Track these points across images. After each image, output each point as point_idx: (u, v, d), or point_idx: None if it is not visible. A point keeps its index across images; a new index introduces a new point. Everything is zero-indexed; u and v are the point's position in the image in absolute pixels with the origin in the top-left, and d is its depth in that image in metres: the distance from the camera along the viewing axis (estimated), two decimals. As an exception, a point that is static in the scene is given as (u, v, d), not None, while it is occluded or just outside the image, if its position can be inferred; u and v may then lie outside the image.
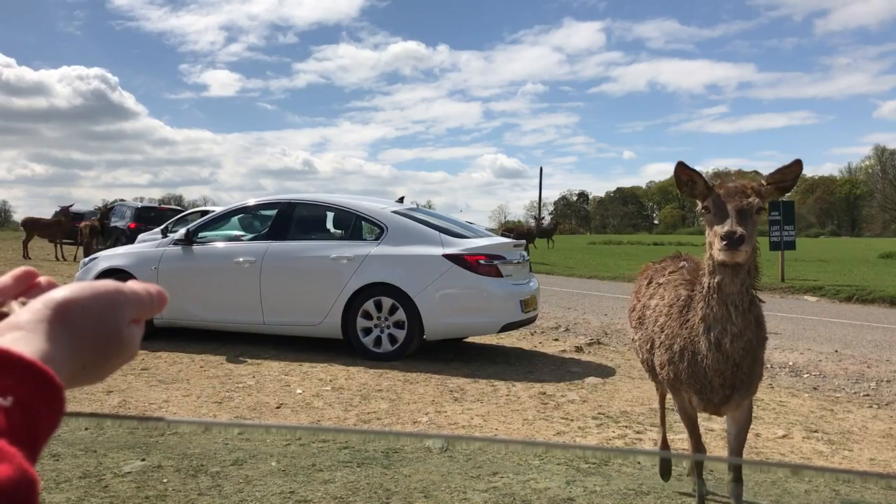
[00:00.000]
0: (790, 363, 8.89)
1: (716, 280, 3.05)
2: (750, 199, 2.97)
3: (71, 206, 26.05)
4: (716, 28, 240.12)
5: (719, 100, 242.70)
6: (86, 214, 27.33)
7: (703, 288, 3.15)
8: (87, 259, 10.66)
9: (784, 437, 5.70)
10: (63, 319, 0.60)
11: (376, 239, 8.77)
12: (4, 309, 0.68)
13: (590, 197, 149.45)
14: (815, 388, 7.64)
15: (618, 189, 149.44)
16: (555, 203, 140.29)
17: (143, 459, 4.47)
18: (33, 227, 24.89)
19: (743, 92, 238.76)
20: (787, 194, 3.31)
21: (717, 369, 3.13)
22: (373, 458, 4.63)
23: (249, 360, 8.15)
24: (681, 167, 3.21)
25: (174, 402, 6.39)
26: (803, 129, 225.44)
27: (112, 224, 23.96)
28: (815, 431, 5.88)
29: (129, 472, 4.28)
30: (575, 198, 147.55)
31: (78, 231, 23.84)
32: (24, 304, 0.67)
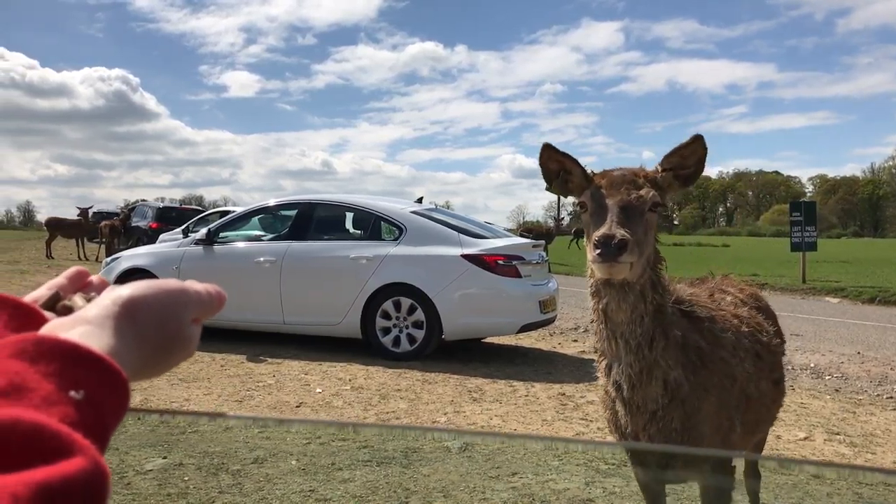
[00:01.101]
0: (812, 365, 8.82)
1: (601, 305, 2.39)
2: (641, 193, 2.36)
3: (90, 207, 26.34)
4: (735, 27, 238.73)
5: (739, 100, 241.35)
6: (119, 213, 27.59)
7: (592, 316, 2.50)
8: (109, 259, 10.78)
9: (805, 439, 5.66)
10: (130, 316, 0.61)
11: (395, 239, 8.79)
12: (68, 302, 0.70)
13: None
14: (836, 391, 7.57)
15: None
16: (573, 204, 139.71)
17: (165, 457, 4.51)
18: (57, 227, 25.22)
19: (763, 92, 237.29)
20: (692, 185, 2.64)
21: (633, 422, 2.46)
22: (392, 458, 4.64)
23: (269, 360, 8.20)
24: (547, 152, 2.58)
25: (195, 400, 6.45)
26: (824, 129, 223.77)
27: (133, 224, 24.16)
28: (837, 434, 5.84)
29: (150, 470, 4.32)
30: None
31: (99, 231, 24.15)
32: (88, 299, 0.69)
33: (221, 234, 9.73)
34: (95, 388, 0.52)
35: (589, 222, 2.40)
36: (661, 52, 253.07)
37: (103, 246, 24.07)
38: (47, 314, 0.67)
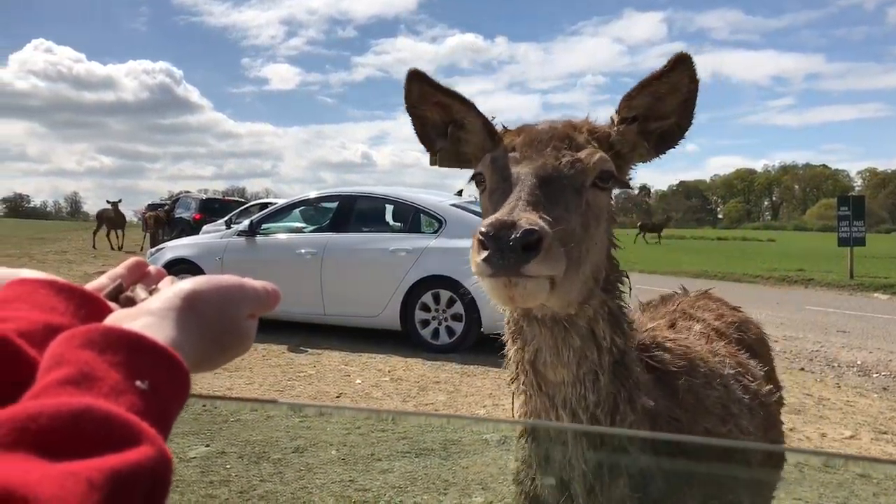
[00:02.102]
0: (858, 362, 8.63)
1: (527, 354, 1.65)
2: (579, 156, 1.59)
3: (119, 201, 27.37)
4: (782, 18, 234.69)
5: (785, 91, 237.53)
6: (165, 205, 28.24)
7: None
8: (154, 249, 10.98)
9: (851, 437, 5.55)
10: (191, 308, 0.64)
11: (435, 232, 8.81)
12: (130, 294, 0.74)
13: (651, 191, 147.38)
14: (884, 389, 7.40)
15: (681, 183, 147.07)
16: (615, 197, 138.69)
17: (208, 445, 4.59)
18: (106, 219, 26.12)
19: (810, 83, 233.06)
20: (680, 142, 1.81)
21: None
22: (430, 449, 4.66)
23: (310, 350, 8.29)
24: (418, 86, 1.80)
25: (237, 389, 6.54)
26: (875, 121, 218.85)
27: (177, 215, 24.53)
28: (885, 433, 5.71)
29: (193, 458, 4.40)
30: (636, 191, 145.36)
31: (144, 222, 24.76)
32: (150, 290, 0.73)
33: (263, 226, 9.85)
34: (159, 379, 0.54)
35: (487, 207, 1.63)
36: (704, 42, 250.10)
37: (148, 236, 24.57)
38: (111, 304, 0.71)
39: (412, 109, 1.88)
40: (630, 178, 1.87)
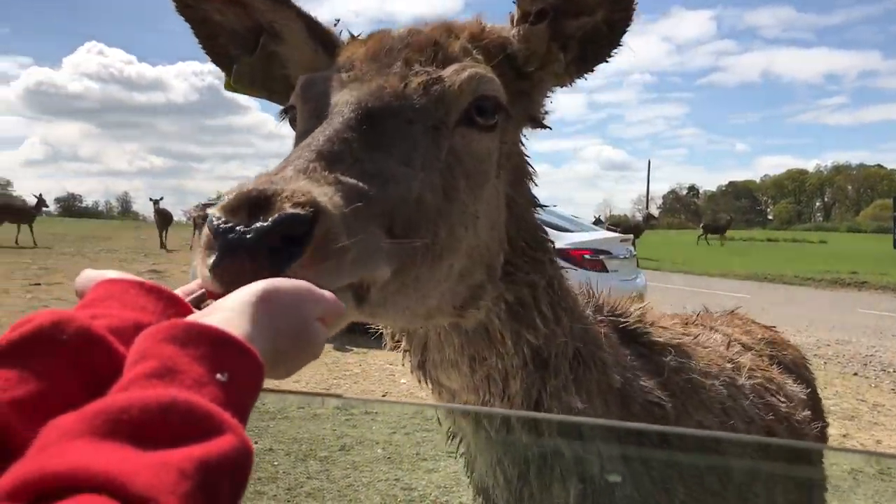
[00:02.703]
0: (916, 368, 8.40)
1: (415, 354, 1.40)
2: (442, 74, 1.15)
3: (160, 199, 28.16)
4: (835, 14, 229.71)
5: (838, 90, 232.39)
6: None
7: None
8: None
9: (908, 445, 5.41)
10: (264, 304, 0.67)
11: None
12: (210, 302, 0.79)
13: (700, 191, 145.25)
14: (943, 395, 7.18)
15: (730, 183, 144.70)
16: (663, 197, 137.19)
17: (256, 442, 4.65)
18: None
19: (865, 81, 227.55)
20: (614, 54, 1.30)
21: None
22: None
23: (356, 349, 8.34)
24: None
25: (284, 388, 6.61)
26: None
27: (226, 216, 24.96)
28: (943, 441, 5.55)
29: (243, 454, 4.46)
30: (685, 192, 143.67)
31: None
32: None
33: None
34: (237, 371, 0.57)
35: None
36: (755, 40, 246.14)
37: (196, 234, 25.06)
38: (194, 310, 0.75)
39: (184, 9, 1.35)
40: (544, 112, 1.38)
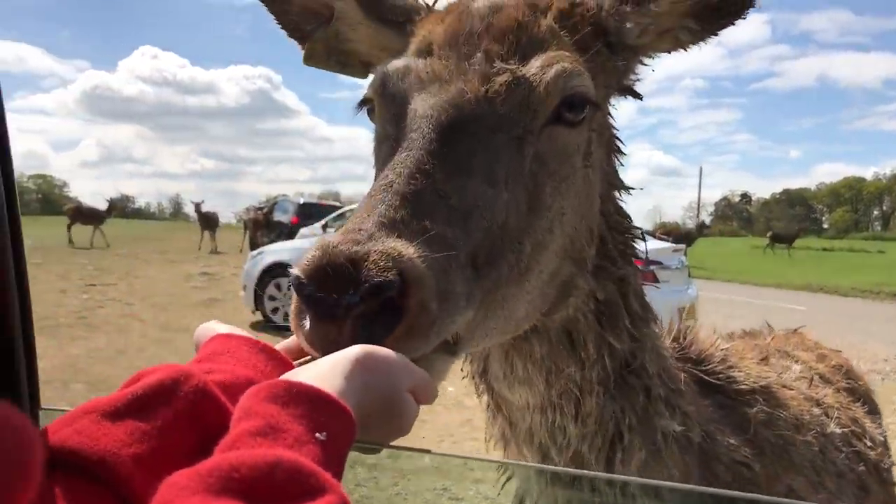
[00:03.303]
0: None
1: (476, 364, 1.31)
2: (526, 73, 1.07)
3: (202, 201, 28.76)
4: (895, 18, 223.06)
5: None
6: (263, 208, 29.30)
7: None
8: (254, 252, 11.31)
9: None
10: (359, 367, 0.69)
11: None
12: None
13: (753, 198, 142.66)
14: None
15: (784, 190, 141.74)
16: (715, 204, 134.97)
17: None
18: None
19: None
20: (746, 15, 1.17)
21: None
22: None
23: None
24: None
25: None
26: None
27: (276, 219, 25.22)
28: None
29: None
30: (737, 199, 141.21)
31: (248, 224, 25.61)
32: None
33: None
34: (334, 429, 0.59)
35: (376, 171, 1.13)
36: (810, 45, 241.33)
37: (247, 237, 25.42)
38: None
39: None
40: (636, 79, 1.29)
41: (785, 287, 20.56)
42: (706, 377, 1.35)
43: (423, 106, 1.03)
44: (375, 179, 1.01)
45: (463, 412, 6.22)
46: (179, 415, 0.64)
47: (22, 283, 1.04)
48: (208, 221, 28.02)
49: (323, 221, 16.69)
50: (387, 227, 0.85)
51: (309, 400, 0.60)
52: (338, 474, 0.57)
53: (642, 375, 1.20)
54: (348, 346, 0.73)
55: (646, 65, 1.29)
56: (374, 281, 0.78)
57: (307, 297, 0.80)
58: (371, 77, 1.18)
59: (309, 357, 0.83)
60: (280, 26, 1.39)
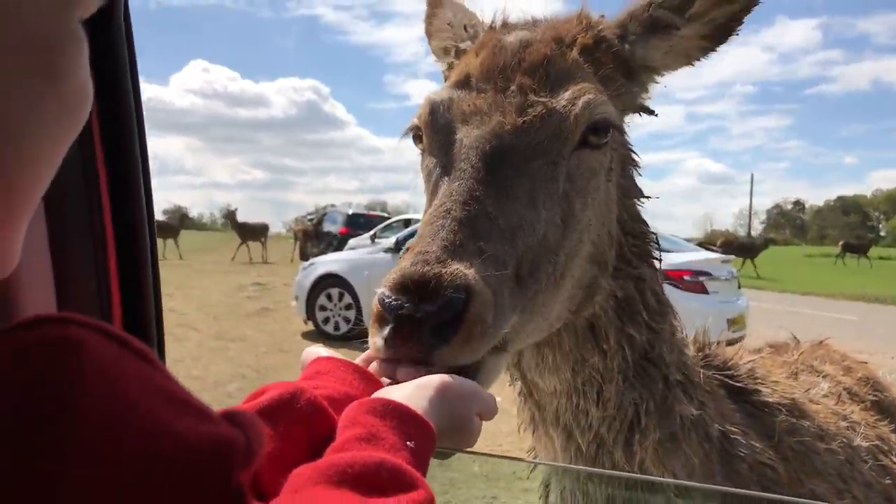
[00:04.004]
0: None
1: (519, 360, 1.37)
2: (556, 106, 1.19)
3: (235, 209, 28.96)
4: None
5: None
6: (312, 219, 29.52)
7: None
8: (306, 263, 11.53)
9: None
10: (439, 392, 0.84)
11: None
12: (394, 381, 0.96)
13: (806, 206, 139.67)
14: None
15: (838, 198, 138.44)
16: (767, 211, 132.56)
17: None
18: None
19: None
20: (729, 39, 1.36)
21: None
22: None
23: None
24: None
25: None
26: None
27: (325, 229, 25.53)
28: None
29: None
30: (790, 206, 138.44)
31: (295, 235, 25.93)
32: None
33: (409, 243, 10.14)
34: (419, 439, 0.73)
35: (427, 191, 1.30)
36: (864, 49, 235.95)
37: (297, 248, 25.78)
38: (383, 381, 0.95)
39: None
40: (649, 97, 1.44)
41: (839, 297, 20.15)
42: (732, 382, 1.47)
43: (468, 138, 1.18)
44: (429, 203, 1.20)
45: (511, 421, 6.24)
46: (296, 422, 0.78)
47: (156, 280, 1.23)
48: (245, 231, 27.92)
49: (371, 232, 16.88)
50: (450, 251, 1.01)
51: (400, 415, 0.75)
52: (423, 475, 0.69)
53: (660, 364, 1.33)
54: (420, 348, 0.93)
55: (657, 83, 1.44)
56: (446, 296, 0.94)
57: (390, 307, 0.96)
58: (420, 106, 1.32)
59: (390, 382, 0.97)
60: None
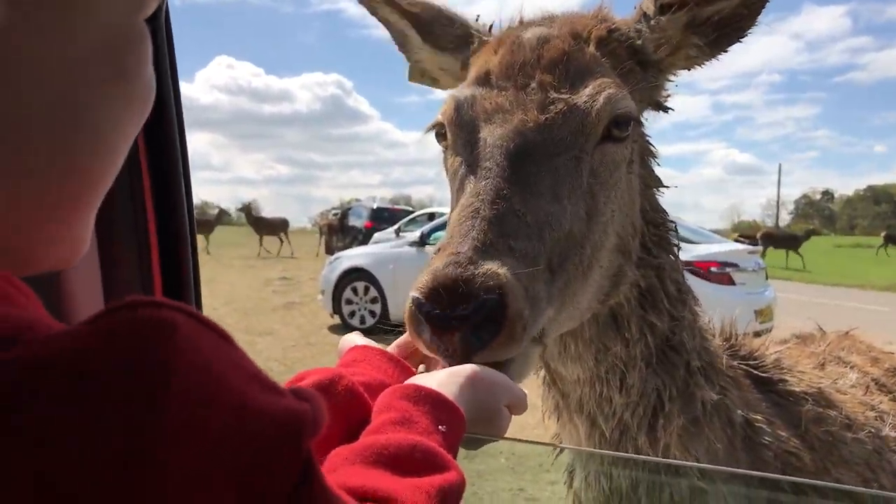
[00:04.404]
0: None
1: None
2: (578, 102, 1.20)
3: (250, 203, 29.76)
4: None
5: None
6: (338, 213, 29.65)
7: None
8: (332, 258, 11.61)
9: None
10: (469, 382, 0.87)
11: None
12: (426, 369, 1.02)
13: (835, 195, 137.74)
14: None
15: (868, 187, 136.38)
16: (795, 202, 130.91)
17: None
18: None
19: None
20: (748, 34, 1.34)
21: None
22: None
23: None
24: None
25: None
26: None
27: (350, 223, 25.64)
28: None
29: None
30: (818, 196, 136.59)
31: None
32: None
33: (433, 237, 10.19)
34: (450, 424, 0.77)
35: (452, 188, 1.30)
36: (895, 35, 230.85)
37: (323, 242, 25.91)
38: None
39: (372, 13, 1.55)
40: (667, 96, 1.45)
41: (868, 288, 19.90)
42: (757, 372, 1.47)
43: (492, 136, 1.19)
44: (455, 200, 1.21)
45: (536, 414, 6.29)
46: (335, 406, 0.80)
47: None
48: (261, 226, 27.90)
49: (396, 226, 16.94)
50: (480, 250, 1.02)
51: (432, 400, 0.78)
52: (454, 457, 0.73)
53: (681, 351, 1.34)
54: (461, 350, 0.94)
55: (672, 81, 1.45)
56: (481, 298, 0.95)
57: (426, 314, 0.97)
58: (444, 103, 1.33)
59: (424, 366, 1.04)
60: (395, 43, 1.59)
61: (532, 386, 1.49)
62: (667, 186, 1.45)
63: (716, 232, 12.68)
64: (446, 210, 12.12)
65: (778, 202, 63.35)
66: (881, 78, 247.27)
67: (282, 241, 27.75)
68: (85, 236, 0.57)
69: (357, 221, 25.90)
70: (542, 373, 1.45)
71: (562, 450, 1.51)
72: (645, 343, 1.32)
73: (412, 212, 24.81)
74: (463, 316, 0.95)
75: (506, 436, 0.98)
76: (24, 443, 0.37)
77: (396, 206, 31.06)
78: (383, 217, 25.06)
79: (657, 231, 1.38)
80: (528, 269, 1.03)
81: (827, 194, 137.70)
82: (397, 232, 14.80)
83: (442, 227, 10.53)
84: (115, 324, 0.42)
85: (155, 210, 1.12)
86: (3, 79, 0.46)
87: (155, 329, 0.41)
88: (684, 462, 1.32)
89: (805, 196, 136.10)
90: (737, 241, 12.87)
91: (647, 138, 1.43)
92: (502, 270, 0.99)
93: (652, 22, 1.32)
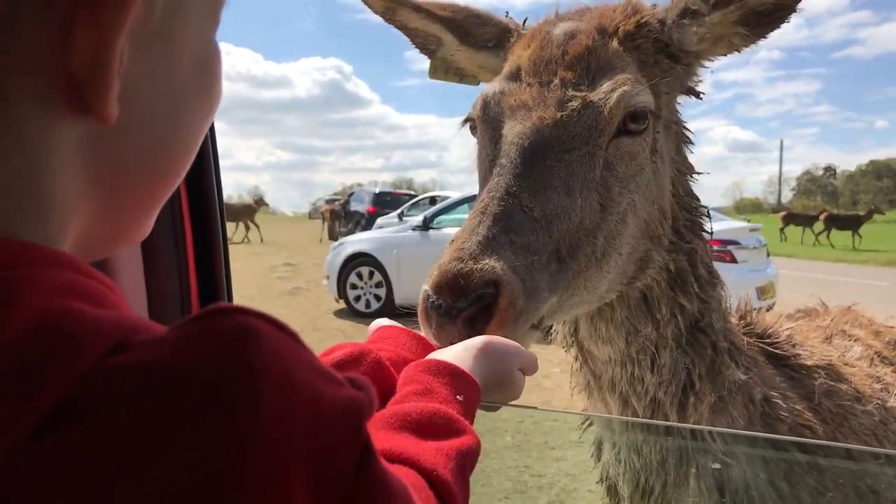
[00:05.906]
0: None
1: (568, 325, 1.48)
2: (593, 98, 1.25)
3: (258, 199, 29.38)
4: None
5: None
6: (340, 198, 29.67)
7: None
8: (336, 244, 11.66)
9: None
10: (483, 352, 0.94)
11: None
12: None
13: (837, 171, 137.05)
14: None
15: (871, 162, 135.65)
16: (797, 178, 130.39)
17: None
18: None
19: None
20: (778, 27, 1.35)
21: None
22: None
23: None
24: None
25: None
26: None
27: (352, 209, 25.63)
28: None
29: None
30: (820, 172, 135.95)
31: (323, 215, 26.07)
32: None
33: (436, 220, 10.24)
34: (468, 394, 0.84)
35: (479, 180, 1.38)
36: (894, 9, 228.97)
37: (326, 228, 25.92)
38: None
39: (388, 20, 1.59)
40: (699, 81, 1.48)
41: (870, 263, 19.93)
42: (773, 349, 1.53)
43: (511, 133, 1.26)
44: (479, 192, 1.28)
45: (542, 393, 6.36)
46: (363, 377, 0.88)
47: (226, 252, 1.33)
48: (228, 213, 26.97)
49: (399, 210, 16.97)
50: (483, 246, 1.12)
51: (450, 373, 0.85)
52: (471, 423, 0.80)
53: (709, 332, 1.38)
54: (460, 338, 1.03)
55: (706, 67, 1.48)
56: (477, 292, 1.06)
57: (432, 305, 1.08)
58: (476, 99, 1.39)
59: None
60: (415, 47, 1.63)
61: (548, 368, 1.55)
62: (699, 173, 1.49)
63: (717, 210, 12.72)
64: (449, 194, 12.16)
65: (780, 179, 63.26)
66: (881, 52, 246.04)
67: (248, 228, 26.92)
68: (151, 222, 0.64)
69: (360, 207, 25.87)
70: (574, 350, 1.50)
71: (591, 422, 1.59)
72: (675, 324, 1.36)
73: (414, 196, 24.78)
74: (461, 308, 1.06)
75: (538, 406, 1.08)
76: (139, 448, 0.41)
77: (398, 191, 30.97)
78: (385, 201, 25.02)
79: (690, 216, 1.43)
80: (527, 261, 1.11)
81: (829, 170, 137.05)
82: (401, 216, 14.82)
83: (445, 210, 10.60)
84: (209, 331, 0.46)
85: (188, 200, 1.19)
86: (127, 111, 0.52)
87: (244, 335, 0.46)
88: (709, 427, 1.36)
89: (807, 172, 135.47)
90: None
91: (684, 125, 1.47)
92: (499, 265, 1.08)
93: (706, 18, 1.33)
